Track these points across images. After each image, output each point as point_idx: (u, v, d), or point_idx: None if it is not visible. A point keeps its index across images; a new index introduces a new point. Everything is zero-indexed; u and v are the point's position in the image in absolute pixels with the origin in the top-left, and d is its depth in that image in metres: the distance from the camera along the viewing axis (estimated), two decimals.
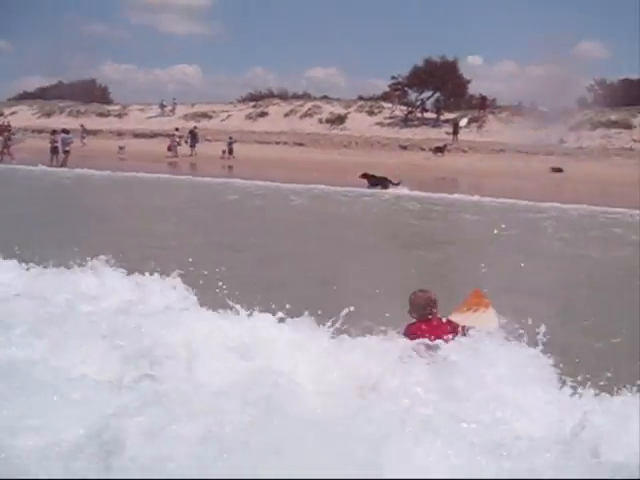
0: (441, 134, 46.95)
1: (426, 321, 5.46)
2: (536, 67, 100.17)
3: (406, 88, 53.54)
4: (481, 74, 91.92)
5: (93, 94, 73.43)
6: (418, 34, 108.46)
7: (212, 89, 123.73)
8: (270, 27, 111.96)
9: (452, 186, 32.11)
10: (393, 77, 53.25)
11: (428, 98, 53.60)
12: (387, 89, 56.91)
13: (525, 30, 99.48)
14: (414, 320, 5.53)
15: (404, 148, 44.68)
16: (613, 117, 46.46)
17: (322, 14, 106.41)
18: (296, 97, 63.93)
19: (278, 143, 48.96)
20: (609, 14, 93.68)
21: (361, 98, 60.06)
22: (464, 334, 5.17)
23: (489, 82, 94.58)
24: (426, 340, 4.94)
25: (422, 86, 52.45)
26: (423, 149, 43.70)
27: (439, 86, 51.71)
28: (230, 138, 45.27)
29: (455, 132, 45.06)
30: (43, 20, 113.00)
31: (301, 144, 48.18)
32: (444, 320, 5.52)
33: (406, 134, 48.88)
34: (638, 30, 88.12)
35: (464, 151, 42.75)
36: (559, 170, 35.91)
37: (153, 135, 53.89)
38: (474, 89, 55.41)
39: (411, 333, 5.30)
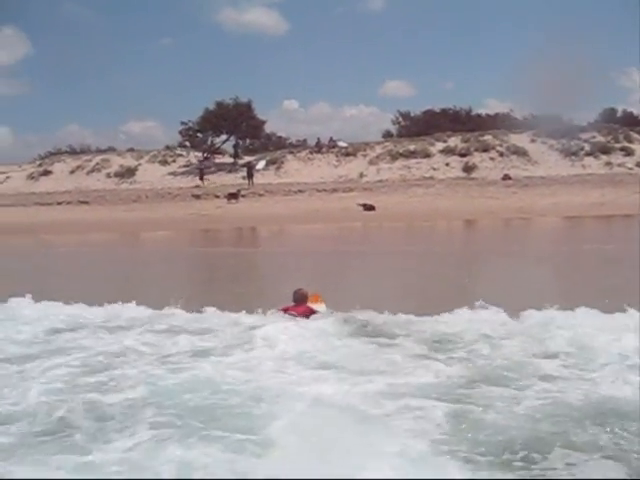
0: (238, 179, 43.67)
1: (298, 305, 9.00)
2: (349, 107, 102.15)
3: (198, 133, 49.87)
4: (298, 118, 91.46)
5: None
6: (231, 83, 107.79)
7: (24, 150, 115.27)
8: (82, 83, 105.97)
9: (246, 240, 28.90)
10: (183, 122, 49.51)
11: (223, 142, 50.32)
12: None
13: (336, 73, 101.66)
14: (292, 304, 9.05)
15: (197, 197, 40.81)
16: (412, 147, 45.23)
17: (135, 66, 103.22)
18: (84, 152, 58.63)
19: (61, 203, 43.53)
20: (413, 54, 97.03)
21: (167, 147, 55.83)
22: (314, 312, 8.90)
23: (306, 125, 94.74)
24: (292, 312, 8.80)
25: (215, 130, 49.06)
26: (218, 196, 40.02)
27: (233, 129, 48.51)
28: None
29: (250, 176, 41.85)
30: None
31: (86, 202, 43.07)
32: (309, 306, 9.07)
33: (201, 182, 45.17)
34: (439, 68, 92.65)
35: (260, 195, 39.57)
36: (371, 208, 33.13)
37: None
38: (293, 132, 53.27)
39: (285, 310, 8.91)
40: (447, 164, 42.98)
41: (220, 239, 28.18)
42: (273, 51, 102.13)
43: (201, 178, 44.49)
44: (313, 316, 8.77)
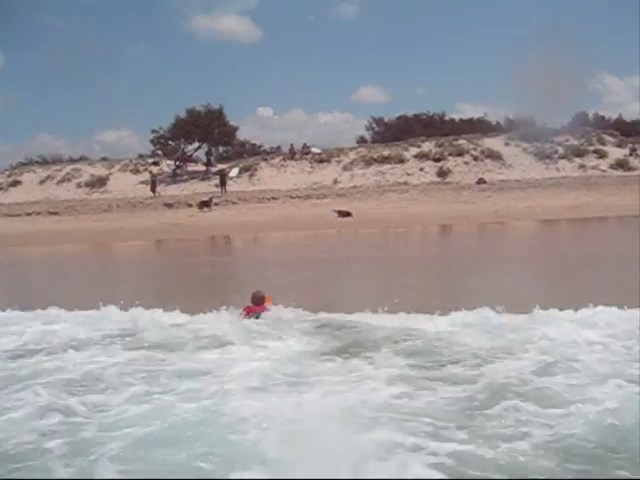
0: (211, 187, 43.05)
1: (257, 306, 9.85)
2: (323, 114, 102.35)
3: (169, 141, 49.13)
4: (272, 125, 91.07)
5: None
6: (205, 90, 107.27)
7: None
8: (55, 92, 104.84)
9: (216, 249, 28.34)
10: (154, 130, 48.67)
11: (196, 150, 49.65)
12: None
13: (309, 80, 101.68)
14: (251, 305, 9.90)
15: (169, 206, 40.14)
16: (386, 153, 44.92)
17: (109, 75, 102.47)
18: (54, 162, 57.66)
19: (30, 214, 42.63)
20: (386, 60, 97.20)
21: (140, 156, 54.90)
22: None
23: (280, 132, 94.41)
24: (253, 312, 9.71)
25: (187, 137, 48.34)
26: (190, 205, 39.40)
27: (205, 136, 47.82)
28: None
29: (222, 183, 41.28)
30: None
31: (55, 213, 42.22)
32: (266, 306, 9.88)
33: (173, 190, 44.50)
34: (412, 74, 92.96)
35: (234, 203, 39.00)
36: (347, 214, 32.66)
37: None
38: (268, 139, 52.73)
39: (247, 310, 9.81)
40: (421, 169, 42.73)
41: (191, 248, 27.59)
42: (246, 59, 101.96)
43: (153, 189, 43.61)
44: (265, 313, 9.74)
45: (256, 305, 9.87)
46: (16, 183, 50.86)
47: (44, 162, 59.07)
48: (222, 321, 9.43)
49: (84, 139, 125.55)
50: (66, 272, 20.26)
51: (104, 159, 56.41)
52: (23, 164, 60.10)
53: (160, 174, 48.20)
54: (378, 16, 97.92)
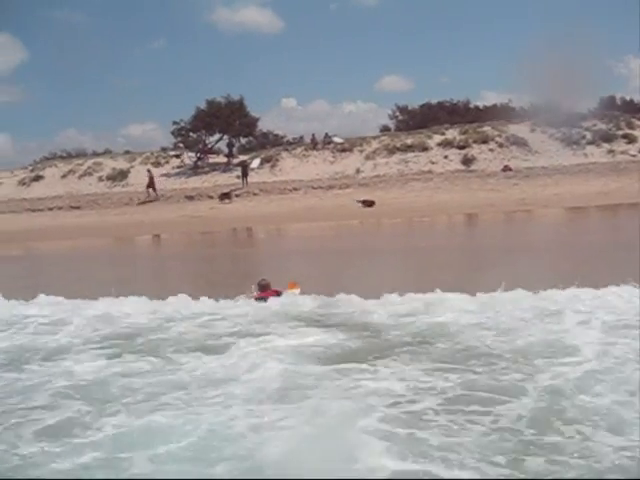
0: (232, 179, 42.61)
1: (265, 292, 10.88)
2: (347, 104, 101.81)
3: (190, 133, 48.73)
4: (296, 115, 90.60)
5: None
6: (228, 82, 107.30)
7: (24, 157, 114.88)
8: (79, 88, 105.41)
9: (242, 240, 27.95)
10: (175, 122, 48.30)
11: (217, 141, 49.27)
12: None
13: (332, 70, 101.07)
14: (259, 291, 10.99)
15: (191, 198, 39.80)
16: (409, 141, 44.17)
17: (132, 69, 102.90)
18: (78, 156, 57.68)
19: (52, 209, 42.57)
20: (409, 48, 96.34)
21: (163, 149, 54.54)
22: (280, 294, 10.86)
23: (305, 122, 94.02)
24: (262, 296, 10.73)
25: (207, 129, 47.95)
26: (211, 197, 39.04)
27: (225, 127, 47.38)
28: None
29: (244, 175, 40.77)
30: None
31: (77, 207, 42.12)
32: (273, 289, 10.94)
33: (194, 182, 44.17)
34: (435, 62, 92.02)
35: (255, 194, 38.55)
36: (371, 204, 32.11)
37: None
38: (292, 130, 52.27)
39: (256, 297, 10.80)
40: (445, 157, 41.89)
41: (212, 240, 27.22)
42: (269, 50, 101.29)
43: (151, 187, 41.37)
44: (284, 294, 10.88)
45: (262, 292, 10.94)
46: (38, 178, 50.81)
47: (68, 156, 59.21)
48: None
49: (109, 133, 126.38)
50: (91, 265, 20.09)
51: (127, 152, 56.22)
52: (47, 159, 60.27)
53: (182, 166, 48.00)
54: (400, 4, 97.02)
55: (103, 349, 8.26)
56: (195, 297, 11.10)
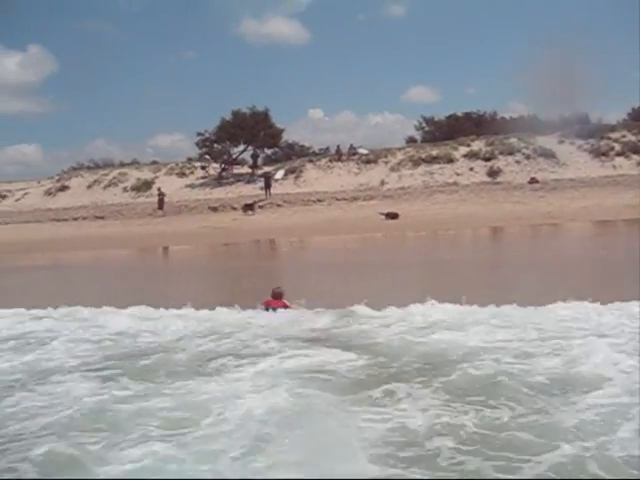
0: (256, 190, 42.50)
1: (275, 300, 11.09)
2: (374, 115, 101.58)
3: (215, 144, 48.70)
4: (323, 126, 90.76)
5: None
6: (256, 93, 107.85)
7: (54, 167, 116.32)
8: (108, 99, 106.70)
9: (263, 252, 27.69)
10: (199, 133, 48.30)
11: (241, 152, 49.22)
12: None
13: (359, 81, 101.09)
14: (270, 298, 11.16)
15: (214, 209, 39.74)
16: (434, 152, 43.74)
17: (161, 80, 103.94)
18: (102, 166, 58.14)
19: (76, 219, 42.75)
20: (436, 59, 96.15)
21: (189, 160, 54.61)
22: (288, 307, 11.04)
23: (332, 133, 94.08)
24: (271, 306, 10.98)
25: (232, 140, 47.92)
26: (235, 208, 38.91)
27: (250, 138, 47.32)
28: None
29: (267, 186, 40.58)
30: None
31: (101, 217, 42.25)
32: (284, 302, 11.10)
33: (218, 193, 44.12)
34: (462, 73, 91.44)
35: (278, 205, 38.38)
36: (395, 216, 31.77)
37: None
38: (318, 141, 52.12)
39: (266, 303, 11.09)
40: (471, 169, 41.42)
41: (231, 252, 27.00)
42: (296, 61, 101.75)
43: (160, 207, 41.17)
44: (286, 309, 11.00)
45: (274, 300, 11.18)
46: (64, 188, 51.24)
47: (95, 167, 59.64)
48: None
49: (137, 144, 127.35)
50: (112, 276, 20.00)
51: (154, 162, 56.44)
52: (75, 169, 60.74)
53: (207, 177, 48.01)
54: (428, 15, 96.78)
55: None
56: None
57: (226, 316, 10.76)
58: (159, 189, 43.18)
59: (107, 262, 26.22)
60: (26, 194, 52.42)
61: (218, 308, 11.22)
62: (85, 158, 67.55)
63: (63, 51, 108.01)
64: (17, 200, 51.68)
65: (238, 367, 7.61)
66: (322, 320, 10.11)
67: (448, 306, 10.22)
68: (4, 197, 52.76)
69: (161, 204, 41.34)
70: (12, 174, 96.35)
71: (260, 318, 10.43)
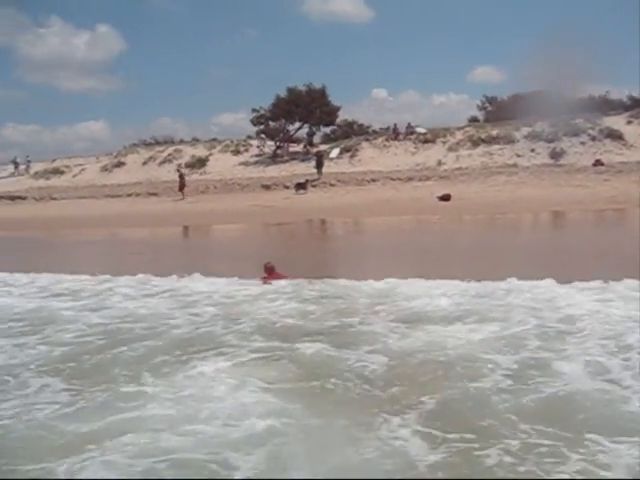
0: (310, 168, 41.66)
1: (273, 274, 12.12)
2: (438, 95, 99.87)
3: (270, 121, 48.01)
4: (387, 106, 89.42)
5: None
6: (319, 72, 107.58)
7: (120, 143, 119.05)
8: (172, 77, 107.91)
9: (310, 233, 26.94)
10: (254, 110, 47.67)
11: (297, 130, 48.44)
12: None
13: (424, 60, 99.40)
14: (265, 275, 12.18)
15: (267, 187, 39.18)
16: (495, 132, 42.22)
17: (225, 59, 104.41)
18: (158, 142, 58.25)
19: (130, 195, 42.81)
20: (503, 39, 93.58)
21: (250, 137, 54.00)
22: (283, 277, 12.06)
23: (395, 113, 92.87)
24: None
25: (287, 117, 47.16)
26: (287, 187, 38.28)
27: (305, 116, 46.50)
28: None
29: (319, 165, 39.69)
30: None
31: (154, 194, 42.16)
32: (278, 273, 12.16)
33: (272, 172, 43.53)
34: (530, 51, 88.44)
35: (332, 184, 37.56)
36: (447, 198, 30.67)
37: None
38: (382, 120, 51.15)
39: (264, 279, 12.06)
40: (532, 150, 39.75)
41: (279, 232, 26.35)
42: (360, 40, 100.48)
43: (180, 189, 39.50)
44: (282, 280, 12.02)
45: (271, 274, 12.20)
46: (120, 164, 51.42)
47: (155, 143, 59.75)
48: None
49: (202, 122, 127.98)
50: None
51: (214, 139, 56.20)
52: (134, 145, 61.05)
53: (261, 154, 47.51)
54: None
55: None
56: None
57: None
58: (178, 168, 42.11)
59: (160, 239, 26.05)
60: (83, 170, 52.82)
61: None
62: (149, 135, 67.92)
63: (130, 30, 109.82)
64: (74, 176, 52.07)
65: None
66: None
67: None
68: (62, 173, 53.26)
69: (182, 185, 39.62)
70: (80, 150, 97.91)
71: None
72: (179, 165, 42.55)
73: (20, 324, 9.53)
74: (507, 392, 5.75)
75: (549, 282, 10.43)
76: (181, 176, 40.26)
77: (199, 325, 8.89)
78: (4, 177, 55.50)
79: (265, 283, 12.01)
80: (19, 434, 5.27)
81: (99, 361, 7.27)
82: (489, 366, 6.41)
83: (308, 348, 7.28)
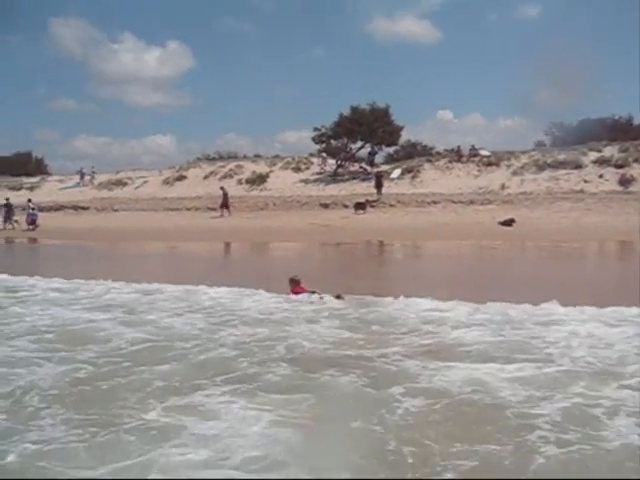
0: (370, 188, 41.14)
1: (297, 288, 12.36)
2: (504, 119, 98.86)
3: (331, 139, 47.75)
4: (451, 128, 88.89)
5: (27, 167, 69.51)
6: (385, 92, 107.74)
7: (186, 157, 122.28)
8: (239, 94, 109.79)
9: (365, 255, 26.42)
10: (316, 128, 47.45)
11: (359, 149, 48.00)
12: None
13: (490, 83, 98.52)
14: (291, 288, 12.43)
15: (326, 206, 38.84)
16: (561, 157, 41.03)
17: (291, 78, 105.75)
18: (220, 158, 58.72)
19: (189, 209, 43.00)
20: (571, 62, 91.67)
21: (312, 155, 53.79)
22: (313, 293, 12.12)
23: (460, 135, 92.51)
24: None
25: (349, 136, 46.81)
26: (347, 206, 37.87)
27: (368, 135, 46.07)
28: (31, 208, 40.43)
29: (378, 186, 39.09)
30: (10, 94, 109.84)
31: (213, 209, 42.23)
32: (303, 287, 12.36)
33: (332, 190, 43.22)
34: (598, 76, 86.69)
35: (391, 205, 37.00)
36: (509, 223, 29.77)
37: (59, 207, 47.73)
38: (446, 142, 50.70)
39: (294, 292, 12.30)
40: (601, 176, 38.41)
41: (335, 252, 25.88)
42: (426, 61, 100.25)
43: (225, 206, 39.09)
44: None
45: (299, 287, 12.42)
46: (182, 178, 51.89)
47: (219, 158, 60.25)
48: None
49: (266, 138, 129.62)
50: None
51: (276, 156, 56.39)
52: (198, 159, 61.76)
53: (322, 173, 47.32)
54: (563, 15, 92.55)
55: None
56: None
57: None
58: (222, 187, 41.56)
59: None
60: (145, 182, 53.45)
61: None
62: (214, 150, 68.74)
63: (200, 47, 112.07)
64: (136, 188, 52.74)
65: None
66: None
67: None
68: (125, 184, 54.04)
69: (224, 203, 39.23)
70: (148, 163, 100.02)
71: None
72: (222, 187, 42.10)
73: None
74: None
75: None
76: (225, 195, 39.76)
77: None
78: (69, 187, 56.65)
79: (294, 292, 12.32)
80: None
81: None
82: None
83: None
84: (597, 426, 5.57)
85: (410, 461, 4.81)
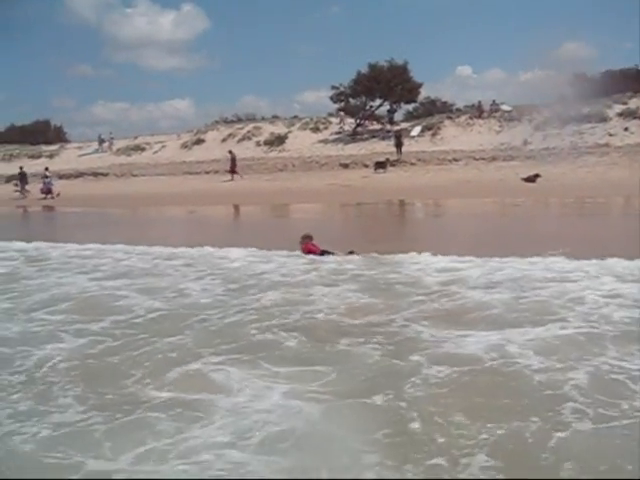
0: (390, 147, 40.64)
1: (308, 245, 12.46)
2: (524, 73, 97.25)
3: (350, 98, 47.09)
4: (471, 84, 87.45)
5: (46, 135, 69.46)
6: (403, 49, 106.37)
7: (204, 121, 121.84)
8: (256, 55, 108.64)
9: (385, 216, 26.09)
10: (334, 87, 46.78)
11: (377, 107, 47.32)
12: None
13: (510, 37, 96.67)
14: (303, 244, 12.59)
15: (345, 166, 38.46)
16: (585, 110, 40.12)
17: (308, 37, 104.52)
18: (238, 120, 58.21)
19: (208, 172, 42.80)
20: (592, 14, 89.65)
21: (331, 115, 53.21)
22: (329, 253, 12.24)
23: (480, 90, 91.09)
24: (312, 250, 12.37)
25: (367, 94, 46.11)
26: (367, 165, 37.48)
27: (386, 93, 45.35)
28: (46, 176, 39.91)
29: (398, 144, 38.54)
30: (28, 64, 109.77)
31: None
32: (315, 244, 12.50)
33: (351, 150, 42.75)
34: (620, 26, 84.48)
35: (412, 163, 36.54)
36: (532, 179, 29.19)
37: (78, 175, 47.74)
38: (466, 98, 49.92)
39: (305, 248, 12.52)
40: (626, 129, 37.62)
41: (351, 213, 25.56)
42: (444, 17, 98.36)
43: (233, 170, 38.80)
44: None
45: (305, 244, 12.61)
46: (200, 142, 51.60)
47: (237, 120, 59.75)
48: None
49: (285, 99, 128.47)
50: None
51: (294, 117, 55.88)
52: (216, 122, 61.29)
53: (341, 132, 46.83)
54: None
55: None
56: None
57: None
58: (230, 151, 40.69)
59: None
60: (164, 147, 53.26)
61: None
62: (233, 113, 68.17)
63: (214, 8, 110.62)
64: (155, 152, 52.57)
65: None
66: None
67: None
68: (143, 150, 53.87)
69: (232, 167, 38.76)
70: (166, 128, 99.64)
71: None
72: (230, 151, 41.38)
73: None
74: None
75: None
76: (232, 159, 39.12)
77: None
78: (88, 154, 56.59)
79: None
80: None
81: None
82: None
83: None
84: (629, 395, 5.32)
85: (440, 440, 4.58)
